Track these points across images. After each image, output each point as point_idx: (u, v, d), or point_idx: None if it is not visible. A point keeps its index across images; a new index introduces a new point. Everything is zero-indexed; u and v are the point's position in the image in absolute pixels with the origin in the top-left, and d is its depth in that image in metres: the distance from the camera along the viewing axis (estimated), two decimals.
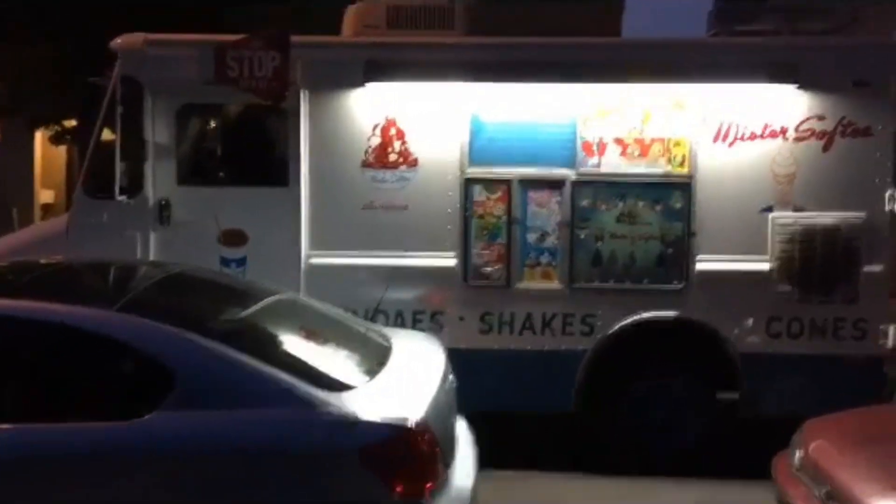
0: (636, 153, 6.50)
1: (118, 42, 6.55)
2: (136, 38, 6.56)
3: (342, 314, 5.06)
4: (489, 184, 6.54)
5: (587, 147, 6.49)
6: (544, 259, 6.57)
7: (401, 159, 6.55)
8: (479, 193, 6.55)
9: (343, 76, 6.48)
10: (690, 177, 6.45)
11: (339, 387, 3.65)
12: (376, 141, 6.54)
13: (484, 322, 6.54)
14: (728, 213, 6.44)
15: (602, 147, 6.49)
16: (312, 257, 6.56)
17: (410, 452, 3.51)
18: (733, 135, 6.44)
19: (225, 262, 6.57)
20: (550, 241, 6.54)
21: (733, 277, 6.42)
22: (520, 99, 6.50)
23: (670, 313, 6.46)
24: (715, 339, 6.45)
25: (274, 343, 4.09)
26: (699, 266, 6.44)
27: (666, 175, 6.49)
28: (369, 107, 6.53)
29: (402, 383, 3.92)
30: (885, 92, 6.32)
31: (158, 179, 6.56)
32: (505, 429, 5.02)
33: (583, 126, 6.47)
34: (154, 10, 11.18)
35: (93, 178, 6.63)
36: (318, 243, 6.56)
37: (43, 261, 5.28)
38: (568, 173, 6.49)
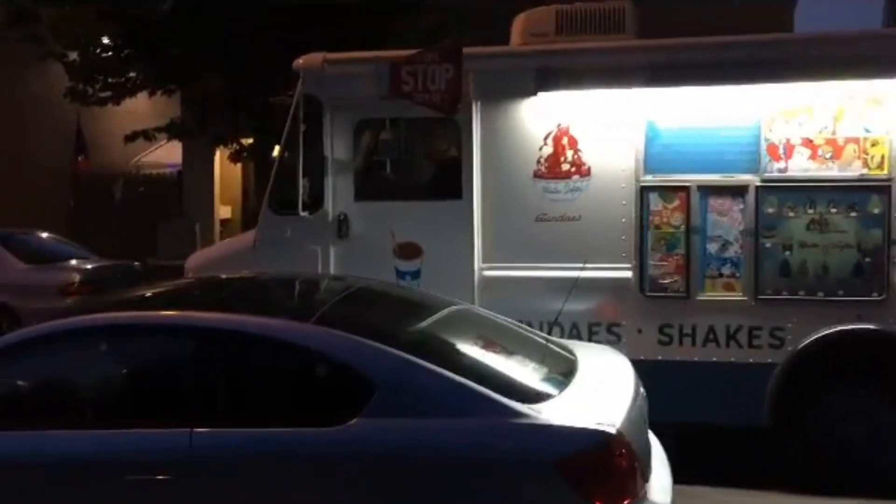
0: (828, 155, 6.15)
1: (299, 62, 6.84)
2: (316, 57, 6.83)
3: (521, 326, 5.02)
4: (666, 192, 6.35)
5: (772, 150, 6.20)
6: (726, 270, 6.31)
7: (573, 169, 6.49)
8: (655, 202, 6.36)
9: (514, 86, 6.46)
10: (890, 179, 6.04)
11: (533, 397, 3.67)
12: (548, 151, 6.50)
13: (663, 334, 6.39)
14: None
15: (789, 150, 6.17)
16: (486, 270, 6.58)
17: (610, 465, 3.46)
18: None
19: (400, 274, 6.72)
20: (733, 250, 6.28)
21: None
22: (696, 102, 6.26)
23: (869, 326, 6.10)
24: None
25: (464, 354, 4.19)
26: None
27: (862, 178, 6.10)
28: (540, 116, 6.47)
29: (595, 395, 3.88)
30: None
31: (337, 195, 6.79)
32: (690, 443, 4.89)
33: (767, 128, 6.16)
34: (322, 29, 11.69)
35: (277, 194, 6.96)
36: (492, 256, 6.59)
37: (235, 276, 5.57)
38: (751, 179, 6.21)
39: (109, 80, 15.39)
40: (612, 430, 3.50)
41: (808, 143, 6.10)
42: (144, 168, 21.14)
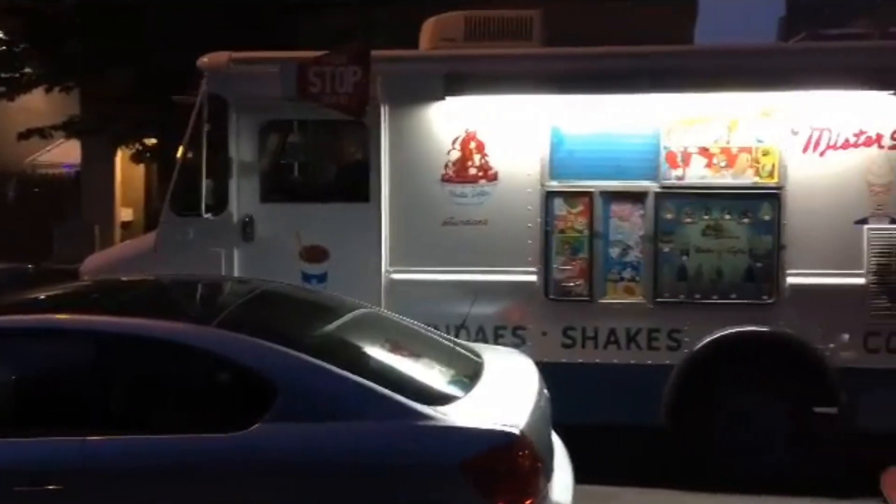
0: (722, 164, 6.39)
1: (204, 60, 6.71)
2: (222, 56, 6.71)
3: (427, 329, 5.00)
4: (570, 197, 6.47)
5: (671, 158, 6.39)
6: (627, 274, 6.48)
7: (480, 174, 6.54)
8: (559, 207, 6.47)
9: (423, 90, 6.48)
10: (780, 187, 6.29)
11: (438, 399, 3.69)
12: (456, 155, 6.55)
13: (567, 336, 6.52)
14: (820, 225, 6.22)
15: (686, 158, 6.37)
16: (393, 273, 6.59)
17: (512, 465, 3.49)
18: (825, 143, 6.27)
19: (306, 277, 6.65)
20: (633, 255, 6.43)
21: (827, 292, 6.24)
22: (601, 110, 6.40)
23: (760, 328, 6.36)
24: (808, 355, 6.27)
25: (369, 357, 4.17)
26: (790, 280, 6.29)
27: (754, 186, 6.36)
28: (449, 120, 6.50)
29: (499, 397, 3.90)
30: None
31: (242, 196, 6.69)
32: (588, 443, 5.01)
33: (666, 136, 6.35)
34: (232, 28, 11.52)
35: (179, 195, 6.82)
36: (399, 259, 6.59)
37: (134, 279, 5.37)
38: (651, 185, 6.39)
39: (3, 75, 14.77)
40: (515, 431, 3.53)
41: (704, 151, 6.32)
42: (40, 167, 20.37)
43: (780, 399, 6.26)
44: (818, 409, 6.19)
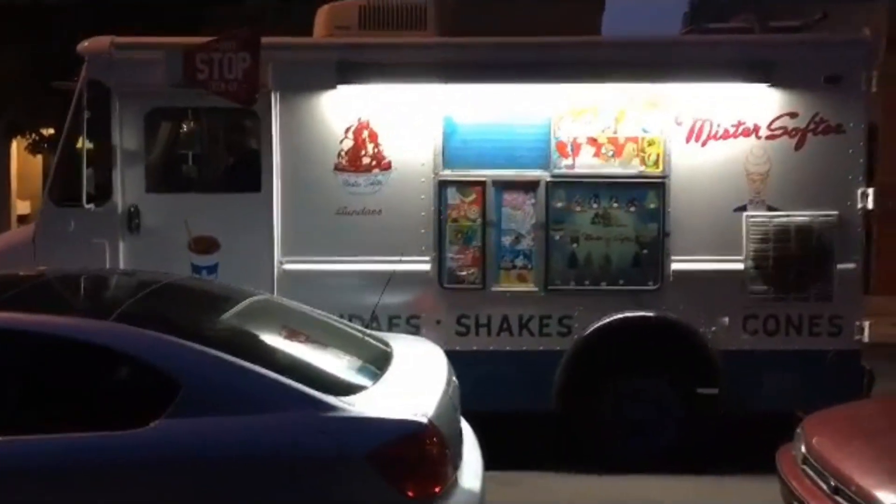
0: (610, 153, 6.19)
1: (85, 45, 6.13)
2: (103, 41, 6.14)
3: (333, 318, 4.70)
4: (463, 186, 6.19)
5: (561, 147, 6.17)
6: (519, 261, 6.24)
7: (374, 162, 6.19)
8: (453, 196, 6.19)
9: (314, 78, 6.09)
10: (664, 176, 6.15)
11: (344, 390, 3.48)
12: (349, 144, 6.18)
13: (461, 324, 6.22)
14: (702, 212, 6.13)
15: (576, 147, 6.17)
16: (285, 263, 6.17)
17: (419, 454, 3.32)
18: (706, 134, 6.13)
19: (196, 269, 6.17)
20: (525, 243, 6.21)
21: (708, 277, 6.11)
22: (493, 100, 6.14)
23: (646, 313, 6.19)
24: (692, 338, 6.14)
25: (273, 347, 3.90)
26: (674, 266, 6.14)
27: (640, 175, 6.18)
28: (341, 109, 6.14)
29: (406, 386, 3.71)
30: (857, 88, 6.05)
31: (127, 186, 6.15)
32: (491, 429, 4.72)
33: (556, 126, 6.14)
34: (135, 12, 10.74)
35: (60, 185, 6.21)
36: (291, 249, 6.18)
37: (27, 272, 4.88)
38: (542, 174, 6.16)
39: None
40: (423, 420, 3.35)
41: (592, 141, 6.12)
42: None
43: (666, 382, 6.14)
44: (701, 391, 6.04)
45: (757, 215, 6.11)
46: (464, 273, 6.20)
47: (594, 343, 6.15)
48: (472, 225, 6.17)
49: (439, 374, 3.98)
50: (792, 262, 6.11)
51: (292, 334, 4.18)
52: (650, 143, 6.15)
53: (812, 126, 6.07)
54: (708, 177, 6.12)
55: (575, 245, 6.16)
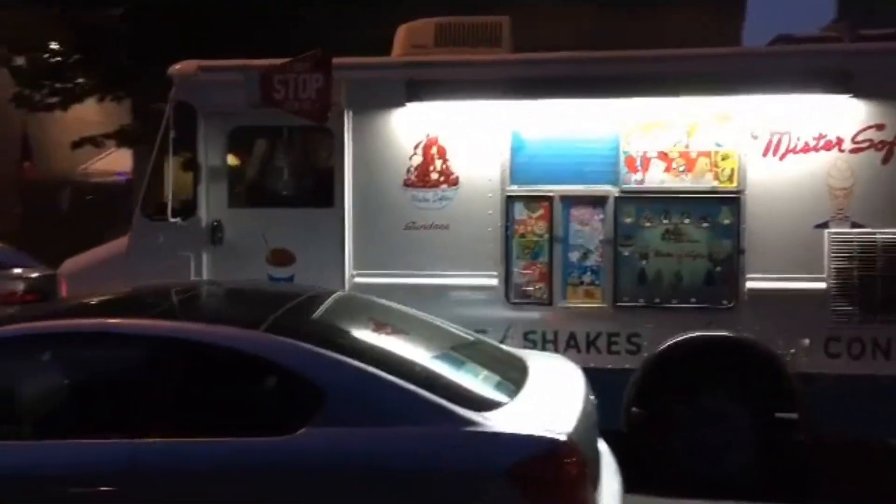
0: (681, 168, 5.92)
1: (174, 69, 6.43)
2: (191, 64, 6.42)
3: (472, 334, 4.64)
4: (530, 201, 6.07)
5: (630, 162, 5.95)
6: (587, 277, 6.04)
7: (442, 178, 6.16)
8: (520, 211, 6.08)
9: (385, 96, 6.14)
10: (740, 191, 5.82)
11: (483, 405, 3.40)
12: (418, 160, 6.18)
13: (527, 340, 6.07)
14: (780, 229, 5.76)
15: (646, 162, 5.94)
16: (356, 277, 6.24)
17: (560, 472, 3.21)
18: (785, 147, 5.77)
19: (273, 281, 6.35)
20: (593, 259, 6.02)
21: (787, 296, 5.74)
22: (561, 115, 6.01)
23: (720, 333, 5.85)
24: (769, 360, 5.76)
25: (415, 361, 3.82)
26: (750, 284, 5.79)
27: (713, 190, 5.88)
28: (410, 126, 6.17)
29: (545, 402, 3.60)
30: None
31: (211, 201, 6.40)
32: None
33: (625, 141, 5.94)
34: (191, 36, 11.01)
35: (150, 201, 6.52)
36: (362, 263, 6.24)
37: (182, 284, 5.16)
38: (610, 189, 5.96)
39: (57, 85, 14.49)
40: (562, 437, 3.24)
41: (663, 156, 5.86)
42: (93, 176, 20.20)
43: (740, 404, 5.75)
44: (779, 415, 5.64)
45: (840, 232, 5.68)
46: (531, 289, 6.06)
47: (665, 362, 5.87)
48: (539, 240, 6.04)
49: (577, 390, 3.85)
50: (878, 281, 5.62)
51: (431, 347, 4.14)
52: (724, 158, 5.83)
53: None
54: (786, 192, 5.75)
55: (644, 261, 5.92)
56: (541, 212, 6.04)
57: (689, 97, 5.81)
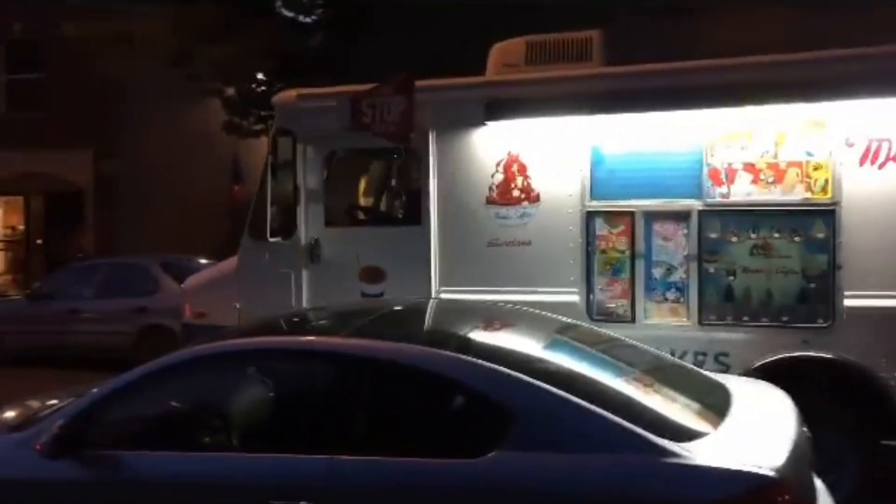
0: (770, 179, 5.59)
1: (276, 98, 6.84)
2: (291, 93, 6.79)
3: (667, 356, 4.44)
4: (611, 217, 5.94)
5: (714, 175, 5.69)
6: (671, 294, 5.83)
7: (523, 195, 6.15)
8: (600, 227, 5.96)
9: (465, 116, 6.21)
10: (834, 203, 5.44)
11: (683, 434, 3.15)
12: (499, 178, 6.21)
13: None
14: (880, 243, 5.32)
15: (731, 174, 5.65)
16: (443, 293, 6.35)
17: None
18: (885, 155, 5.33)
19: (366, 297, 6.56)
20: (678, 275, 5.79)
21: (890, 315, 5.29)
22: (641, 128, 5.85)
23: (816, 354, 5.46)
24: (871, 383, 5.32)
25: (609, 385, 3.65)
26: (847, 302, 5.38)
27: (805, 202, 5.52)
28: (492, 144, 6.20)
29: (752, 433, 3.30)
30: None
31: (310, 221, 6.71)
32: None
33: (708, 153, 5.68)
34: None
35: (255, 222, 6.94)
36: (448, 279, 6.32)
37: (371, 305, 5.27)
38: (694, 203, 5.72)
39: (263, 113, 15.26)
40: (773, 474, 2.96)
41: (749, 167, 5.58)
42: None
43: (840, 431, 5.33)
44: (885, 442, 5.20)
45: None
46: (613, 305, 5.93)
47: None
48: (621, 256, 5.90)
49: (787, 421, 3.48)
50: None
51: (622, 369, 3.95)
52: (816, 168, 5.47)
53: None
54: (888, 203, 5.29)
55: (731, 278, 5.64)
56: (622, 227, 5.90)
57: (776, 105, 5.49)
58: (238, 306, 6.86)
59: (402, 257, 6.41)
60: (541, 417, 3.20)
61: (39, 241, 17.60)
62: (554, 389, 3.27)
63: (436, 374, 3.42)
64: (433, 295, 6.31)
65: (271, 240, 6.69)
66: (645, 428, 3.10)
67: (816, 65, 5.49)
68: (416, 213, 6.39)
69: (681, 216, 5.75)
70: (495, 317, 4.36)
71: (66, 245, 17.56)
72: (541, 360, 3.75)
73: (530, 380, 3.31)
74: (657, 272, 5.84)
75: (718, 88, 5.54)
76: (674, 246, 5.79)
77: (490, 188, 6.22)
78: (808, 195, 5.49)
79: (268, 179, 6.70)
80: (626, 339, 4.43)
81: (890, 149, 5.30)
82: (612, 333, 4.47)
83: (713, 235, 5.68)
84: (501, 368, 3.37)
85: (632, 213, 5.86)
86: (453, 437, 3.41)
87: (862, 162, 5.35)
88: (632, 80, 5.84)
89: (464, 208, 6.27)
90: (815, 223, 5.46)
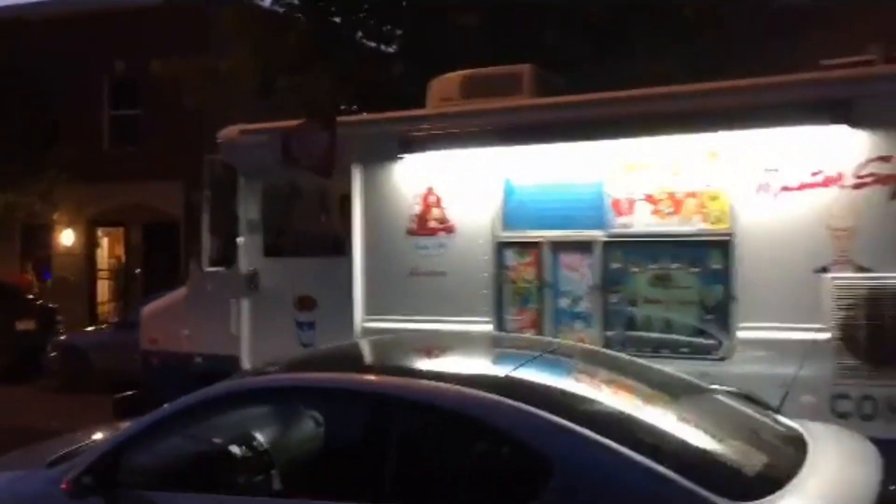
0: (668, 210, 5.58)
1: (220, 133, 7.15)
2: (233, 129, 7.10)
3: (732, 396, 3.86)
4: (520, 247, 6.00)
5: (616, 205, 5.70)
6: (578, 324, 5.84)
7: (440, 226, 6.28)
8: (511, 258, 6.04)
9: (384, 150, 6.40)
10: (730, 234, 5.38)
11: (748, 493, 2.72)
12: (418, 209, 6.35)
13: None
14: (775, 274, 5.23)
15: (631, 205, 5.66)
16: (367, 322, 6.49)
17: None
18: (779, 185, 5.27)
19: (300, 325, 6.75)
20: (583, 305, 5.81)
21: (783, 347, 5.18)
22: (548, 160, 5.92)
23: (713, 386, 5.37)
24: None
25: (661, 433, 3.13)
26: (741, 334, 5.30)
27: (701, 233, 5.48)
28: (411, 177, 6.35)
29: (827, 492, 2.87)
30: None
31: (249, 252, 6.97)
32: None
33: (610, 184, 5.72)
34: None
35: (201, 252, 7.25)
36: (372, 308, 6.48)
37: (407, 338, 5.07)
38: (597, 234, 5.74)
39: None
40: None
41: (649, 198, 5.58)
42: None
43: None
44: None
45: (844, 277, 5.04)
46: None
47: None
48: (530, 286, 5.95)
49: (868, 476, 3.01)
50: (889, 332, 4.92)
51: (678, 413, 3.41)
52: (712, 198, 5.42)
53: None
54: (782, 234, 5.22)
55: (633, 308, 5.63)
56: (530, 258, 5.95)
57: (673, 135, 5.48)
58: (187, 333, 7.16)
59: (330, 287, 6.59)
60: (582, 469, 2.80)
61: (138, 271, 18.30)
62: (593, 435, 2.84)
63: (465, 417, 3.03)
64: (358, 323, 6.45)
65: (214, 269, 6.96)
66: (698, 482, 2.66)
67: (708, 96, 5.47)
68: (342, 244, 6.57)
69: (585, 247, 5.77)
70: (548, 353, 3.92)
71: (161, 274, 18.05)
72: (587, 404, 3.28)
73: (568, 424, 2.89)
74: (564, 302, 5.87)
75: (615, 120, 5.57)
76: (579, 276, 5.81)
77: (410, 219, 6.35)
78: (705, 226, 5.45)
79: (215, 211, 6.98)
80: (687, 377, 4.01)
81: (784, 178, 5.22)
82: (674, 371, 4.03)
83: (616, 266, 5.68)
84: (537, 411, 2.94)
85: (539, 244, 5.91)
86: (485, 487, 3.05)
87: (757, 191, 5.29)
88: (534, 114, 5.92)
89: (386, 239, 6.43)
90: (711, 254, 5.41)
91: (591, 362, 4.08)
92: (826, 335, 5.06)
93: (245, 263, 6.95)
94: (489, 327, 6.04)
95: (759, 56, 5.42)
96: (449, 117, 6.19)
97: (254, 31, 11.03)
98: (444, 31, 9.62)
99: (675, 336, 5.48)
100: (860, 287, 5.00)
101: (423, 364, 3.99)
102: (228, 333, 6.92)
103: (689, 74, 5.73)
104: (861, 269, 5.02)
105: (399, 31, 11.26)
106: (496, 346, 4.73)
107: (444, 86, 6.78)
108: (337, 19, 11.39)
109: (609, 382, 3.70)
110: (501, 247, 6.01)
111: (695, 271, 5.45)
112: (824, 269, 5.09)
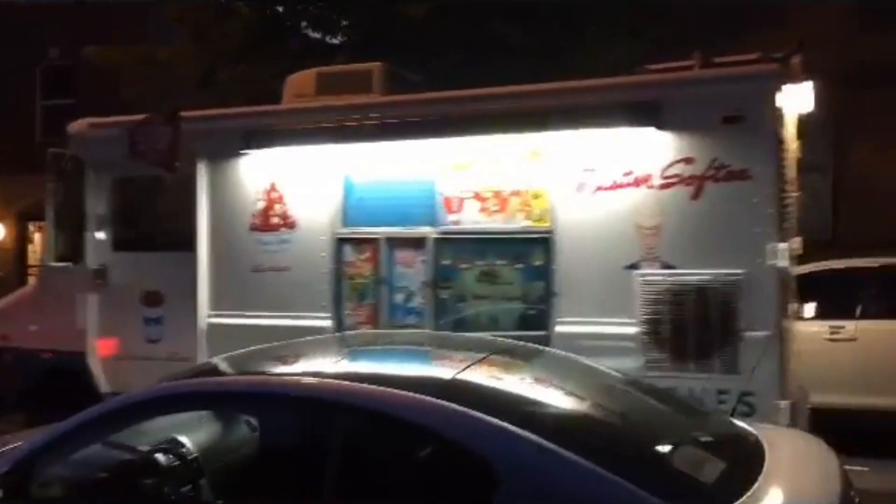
0: (494, 208, 5.73)
1: (70, 126, 7.06)
2: (84, 122, 7.02)
3: (685, 400, 3.92)
4: (357, 244, 6.08)
5: (447, 203, 5.82)
6: (412, 320, 5.93)
7: (282, 222, 6.32)
8: (349, 254, 6.12)
9: (228, 145, 6.41)
10: (550, 231, 5.55)
11: (705, 500, 2.63)
12: (261, 205, 6.37)
13: None
14: (590, 270, 5.42)
15: (460, 203, 5.80)
16: (211, 317, 6.49)
17: None
18: (594, 184, 5.46)
19: (146, 320, 6.71)
20: (417, 301, 5.92)
21: (596, 341, 5.37)
22: (386, 158, 6.02)
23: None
24: None
25: (618, 439, 3.02)
26: (559, 329, 5.47)
27: (525, 230, 5.64)
28: (255, 173, 6.38)
29: (791, 496, 2.73)
30: (762, 128, 5.03)
31: (97, 247, 6.90)
32: None
33: (441, 182, 5.84)
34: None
35: (51, 247, 7.14)
36: (216, 304, 6.47)
37: (351, 338, 4.89)
38: (429, 231, 5.86)
39: None
40: None
41: (477, 196, 5.71)
42: None
43: None
44: None
45: (650, 273, 5.25)
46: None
47: None
48: (367, 282, 6.03)
49: (829, 483, 2.89)
50: (691, 327, 5.14)
51: (639, 420, 3.31)
52: (535, 196, 5.58)
53: (711, 172, 5.13)
54: (596, 231, 5.41)
55: (463, 304, 5.76)
56: (367, 254, 6.04)
57: (498, 135, 5.63)
58: (35, 329, 7.05)
59: (177, 282, 6.57)
60: (531, 478, 2.63)
61: None
62: (544, 442, 2.68)
63: (407, 423, 2.85)
64: (203, 319, 6.45)
65: (62, 264, 6.86)
66: (658, 494, 2.51)
67: (532, 97, 5.64)
68: (188, 239, 6.55)
69: (419, 243, 5.88)
70: (498, 355, 3.71)
71: None
72: (536, 408, 3.11)
73: (517, 430, 2.71)
74: (398, 298, 5.96)
75: (443, 119, 5.70)
76: (413, 272, 5.92)
77: (253, 215, 6.37)
78: (528, 223, 5.61)
79: (64, 205, 6.89)
80: (641, 380, 3.99)
81: (599, 178, 5.41)
82: (622, 374, 3.89)
83: (446, 262, 5.81)
84: (483, 416, 2.77)
85: (376, 241, 6.00)
86: (428, 497, 2.93)
87: (575, 191, 5.46)
88: (370, 111, 6.01)
89: (230, 234, 6.44)
90: (533, 251, 5.58)
91: (548, 366, 3.90)
92: (635, 329, 5.26)
93: (93, 258, 6.87)
94: (328, 323, 6.10)
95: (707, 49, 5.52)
96: (295, 114, 6.24)
97: (195, 19, 10.78)
98: (390, 21, 9.61)
99: (501, 331, 5.60)
100: (664, 283, 5.23)
101: (362, 367, 3.84)
102: (76, 329, 6.83)
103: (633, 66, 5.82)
104: (666, 266, 5.23)
105: (345, 22, 11.13)
106: (438, 346, 4.42)
107: (299, 82, 6.81)
108: (280, 8, 11.21)
109: (561, 386, 3.51)
110: (341, 243, 6.08)
111: (519, 267, 5.61)
112: (634, 266, 5.29)
